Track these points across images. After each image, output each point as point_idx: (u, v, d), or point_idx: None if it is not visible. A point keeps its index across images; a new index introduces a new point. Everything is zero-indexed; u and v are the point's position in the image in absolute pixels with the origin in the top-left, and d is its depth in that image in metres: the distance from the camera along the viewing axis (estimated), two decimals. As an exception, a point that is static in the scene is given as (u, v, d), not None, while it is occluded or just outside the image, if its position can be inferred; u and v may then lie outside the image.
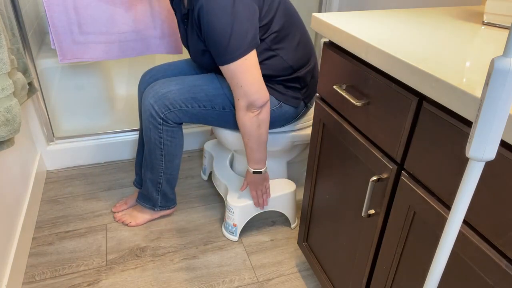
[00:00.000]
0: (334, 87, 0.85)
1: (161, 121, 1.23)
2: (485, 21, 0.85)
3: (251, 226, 1.48)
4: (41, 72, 1.67)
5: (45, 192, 1.62)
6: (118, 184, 1.68)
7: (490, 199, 0.53)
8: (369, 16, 0.88)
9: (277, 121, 1.29)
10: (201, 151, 1.93)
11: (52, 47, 1.44)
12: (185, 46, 1.28)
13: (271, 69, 1.19)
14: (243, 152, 1.43)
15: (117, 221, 1.47)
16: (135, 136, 1.82)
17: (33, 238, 1.39)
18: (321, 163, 1.02)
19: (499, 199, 0.52)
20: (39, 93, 1.59)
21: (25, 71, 1.30)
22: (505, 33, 0.79)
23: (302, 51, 1.22)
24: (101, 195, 1.61)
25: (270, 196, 1.36)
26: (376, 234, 0.80)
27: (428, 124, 0.62)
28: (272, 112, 1.26)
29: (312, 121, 1.37)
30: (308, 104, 1.34)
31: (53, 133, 1.70)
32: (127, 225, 1.45)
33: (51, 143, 1.72)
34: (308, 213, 1.13)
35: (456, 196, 0.45)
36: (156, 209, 1.43)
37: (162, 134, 1.25)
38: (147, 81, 1.40)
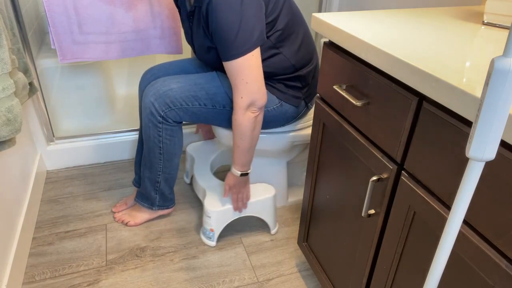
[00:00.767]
0: (334, 87, 0.85)
1: (161, 119, 1.22)
2: (485, 21, 0.85)
3: (251, 226, 1.48)
4: (41, 72, 1.67)
5: (45, 192, 1.62)
6: (118, 184, 1.68)
7: (490, 199, 0.53)
8: (369, 16, 0.88)
9: (277, 120, 1.29)
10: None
11: (52, 47, 1.44)
12: (189, 43, 1.27)
13: (273, 67, 1.19)
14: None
15: (116, 221, 1.47)
16: (135, 136, 1.82)
17: (33, 238, 1.39)
18: (321, 163, 1.02)
19: (499, 199, 0.52)
20: (39, 93, 1.59)
21: (25, 71, 1.30)
22: (505, 33, 0.79)
23: (304, 50, 1.22)
24: (101, 195, 1.61)
25: (249, 199, 1.35)
26: (376, 234, 0.80)
27: (428, 124, 0.62)
28: (273, 111, 1.26)
29: (312, 121, 1.37)
30: (309, 104, 1.34)
31: (53, 133, 1.70)
32: (126, 224, 1.45)
33: (51, 143, 1.72)
34: (308, 213, 1.13)
35: (456, 196, 0.45)
36: (154, 208, 1.43)
37: (161, 133, 1.25)
38: (148, 79, 1.40)
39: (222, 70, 1.25)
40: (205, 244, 1.39)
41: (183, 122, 1.31)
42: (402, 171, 0.70)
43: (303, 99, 1.30)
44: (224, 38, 1.04)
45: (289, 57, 1.19)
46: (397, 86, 0.68)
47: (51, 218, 1.48)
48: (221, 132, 1.37)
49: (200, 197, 1.47)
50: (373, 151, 0.77)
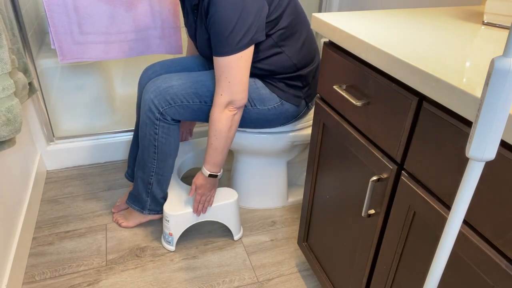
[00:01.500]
0: (334, 87, 0.85)
1: (159, 116, 1.21)
2: (485, 21, 0.85)
3: (251, 226, 1.48)
4: (41, 72, 1.67)
5: (45, 192, 1.62)
6: (118, 184, 1.68)
7: (490, 199, 0.53)
8: (369, 16, 0.88)
9: (278, 119, 1.29)
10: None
11: (52, 47, 1.44)
12: (192, 38, 1.26)
13: (275, 66, 1.19)
14: (244, 152, 1.43)
15: (113, 221, 1.47)
16: (135, 136, 1.81)
17: (33, 238, 1.39)
18: (321, 163, 1.02)
19: (499, 199, 0.52)
20: (39, 93, 1.59)
21: (25, 71, 1.30)
22: (505, 33, 0.79)
23: (306, 50, 1.22)
24: (101, 195, 1.61)
25: (211, 205, 1.32)
26: (376, 234, 0.80)
27: (428, 124, 0.62)
28: (273, 109, 1.25)
29: (312, 121, 1.37)
30: (309, 104, 1.34)
31: (53, 133, 1.70)
32: (119, 225, 1.45)
33: (51, 143, 1.72)
34: (308, 213, 1.13)
35: (456, 196, 0.45)
36: (144, 212, 1.39)
37: (157, 130, 1.24)
38: (149, 76, 1.39)
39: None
40: (205, 244, 1.39)
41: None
42: (402, 171, 0.70)
43: (303, 98, 1.30)
44: (218, 32, 1.04)
45: (291, 56, 1.19)
46: (397, 86, 0.68)
47: (51, 218, 1.48)
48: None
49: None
50: (373, 151, 0.77)
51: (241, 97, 1.12)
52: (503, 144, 0.51)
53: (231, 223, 1.39)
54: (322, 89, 0.94)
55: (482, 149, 0.41)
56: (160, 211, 1.41)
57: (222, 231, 1.45)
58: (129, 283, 1.24)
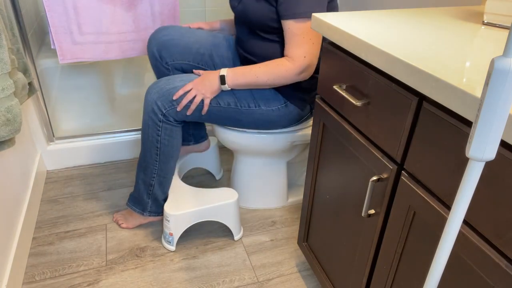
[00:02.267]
0: (334, 87, 0.85)
1: (162, 117, 1.21)
2: (485, 21, 0.85)
3: (251, 226, 1.48)
4: (41, 72, 1.67)
5: (45, 192, 1.62)
6: (118, 184, 1.68)
7: (490, 199, 0.53)
8: (369, 16, 0.88)
9: (280, 121, 1.28)
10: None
11: (52, 47, 1.44)
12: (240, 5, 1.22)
13: None
14: (243, 152, 1.43)
15: (113, 221, 1.47)
16: (135, 136, 1.82)
17: (33, 238, 1.39)
18: (321, 163, 1.02)
19: (499, 199, 0.52)
20: (39, 93, 1.59)
21: (25, 71, 1.30)
22: (505, 33, 0.79)
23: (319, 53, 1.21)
24: (101, 195, 1.61)
25: (193, 109, 1.21)
26: (376, 234, 0.80)
27: (428, 124, 0.62)
28: (277, 110, 1.25)
29: (312, 121, 1.37)
30: (314, 110, 1.33)
31: (53, 133, 1.70)
32: (119, 225, 1.45)
33: (51, 143, 1.72)
34: (308, 213, 1.13)
35: (456, 196, 0.45)
36: (145, 214, 1.39)
37: (160, 132, 1.23)
38: (161, 38, 1.34)
39: (253, 32, 1.21)
40: (205, 244, 1.39)
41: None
42: (402, 171, 0.70)
43: (309, 103, 1.30)
44: None
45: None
46: (397, 86, 0.68)
47: (51, 218, 1.48)
48: (223, 134, 1.37)
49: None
50: (373, 151, 0.77)
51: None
52: (503, 144, 0.51)
53: (232, 223, 1.39)
54: (322, 89, 0.94)
55: (482, 149, 0.41)
56: (160, 213, 1.40)
57: (222, 231, 1.45)
58: (129, 283, 1.24)
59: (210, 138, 1.68)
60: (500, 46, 0.71)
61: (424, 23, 0.84)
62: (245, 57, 1.28)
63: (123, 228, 1.44)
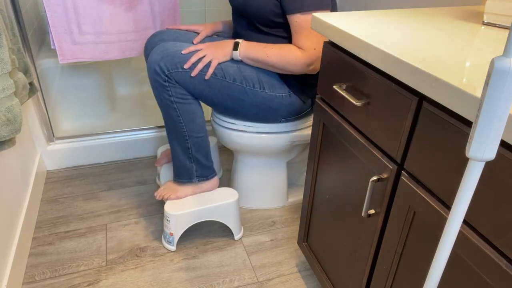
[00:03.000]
0: (334, 87, 0.85)
1: (166, 78, 1.15)
2: (485, 21, 0.85)
3: (251, 226, 1.48)
4: (41, 72, 1.67)
5: (45, 192, 1.62)
6: (118, 184, 1.68)
7: (490, 199, 0.53)
8: (369, 16, 0.88)
9: (281, 110, 1.27)
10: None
11: (52, 47, 1.44)
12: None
13: None
14: (244, 152, 1.43)
15: (157, 199, 1.40)
16: (135, 136, 1.82)
17: (33, 238, 1.39)
18: (321, 163, 1.02)
19: (499, 199, 0.52)
20: (39, 93, 1.59)
21: (25, 71, 1.30)
22: (505, 33, 0.79)
23: None
24: (101, 195, 1.61)
25: (200, 68, 1.17)
26: (376, 234, 0.80)
27: (428, 124, 0.62)
28: (280, 98, 1.24)
29: (312, 121, 1.37)
30: (314, 105, 1.34)
31: (53, 133, 1.70)
32: (167, 199, 1.36)
33: (51, 143, 1.72)
34: (308, 213, 1.13)
35: (456, 196, 0.45)
36: (194, 180, 1.33)
37: (170, 92, 1.17)
38: (156, 43, 1.33)
39: (253, 25, 1.21)
40: (205, 244, 1.39)
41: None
42: (402, 171, 0.70)
43: (311, 97, 1.30)
44: None
45: None
46: (397, 86, 0.68)
47: (51, 218, 1.48)
48: (223, 133, 1.37)
49: (164, 200, 1.42)
50: (373, 151, 0.77)
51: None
52: (503, 144, 0.51)
53: (232, 223, 1.39)
54: (322, 89, 0.94)
55: (482, 149, 0.41)
56: (209, 176, 1.35)
57: (222, 231, 1.45)
58: (129, 283, 1.24)
59: (210, 138, 1.68)
60: (500, 46, 0.71)
61: (424, 23, 0.84)
62: None
63: (172, 199, 1.34)
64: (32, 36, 1.60)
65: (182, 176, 1.33)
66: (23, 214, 1.33)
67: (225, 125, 1.36)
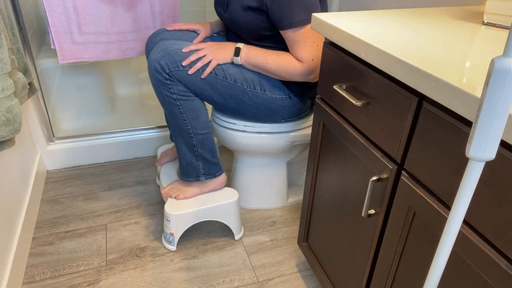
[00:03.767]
0: (334, 87, 0.85)
1: (167, 76, 1.15)
2: (485, 21, 0.85)
3: (251, 226, 1.48)
4: (41, 72, 1.67)
5: (45, 192, 1.62)
6: (118, 184, 1.68)
7: (490, 199, 0.53)
8: (369, 16, 0.88)
9: (281, 111, 1.28)
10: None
11: (52, 47, 1.44)
12: (218, 3, 1.21)
13: None
14: (244, 152, 1.43)
15: (164, 197, 1.40)
16: (135, 136, 1.82)
17: (33, 238, 1.39)
18: (321, 163, 1.02)
19: (499, 199, 0.52)
20: (39, 93, 1.59)
21: (25, 71, 1.30)
22: (505, 33, 0.79)
23: None
24: (101, 195, 1.61)
25: (198, 67, 1.16)
26: (376, 234, 0.80)
27: (428, 124, 0.62)
28: (280, 100, 1.25)
29: (312, 121, 1.37)
30: (314, 106, 1.34)
31: (53, 133, 1.70)
32: (175, 198, 1.35)
33: (51, 143, 1.72)
34: (308, 213, 1.13)
35: (456, 196, 0.45)
36: (201, 178, 1.32)
37: (172, 90, 1.16)
38: (157, 41, 1.33)
39: (243, 39, 1.22)
40: (205, 244, 1.39)
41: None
42: (402, 171, 0.70)
43: (310, 98, 1.30)
44: (292, 1, 1.04)
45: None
46: (397, 86, 0.68)
47: (51, 218, 1.48)
48: (223, 132, 1.37)
49: (164, 199, 1.42)
50: (373, 151, 0.77)
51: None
52: (503, 144, 0.51)
53: (232, 222, 1.39)
54: (322, 89, 0.94)
55: (482, 149, 0.41)
56: (217, 173, 1.35)
57: (222, 231, 1.45)
58: (129, 283, 1.24)
59: None
60: (500, 46, 0.71)
61: (424, 23, 0.84)
62: None
63: (179, 199, 1.34)
64: (32, 36, 1.60)
65: (189, 174, 1.33)
66: (23, 214, 1.33)
67: (225, 125, 1.36)
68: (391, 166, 0.72)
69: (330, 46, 0.88)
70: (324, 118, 0.95)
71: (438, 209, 0.62)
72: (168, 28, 1.35)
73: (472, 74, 0.57)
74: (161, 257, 1.34)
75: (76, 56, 1.48)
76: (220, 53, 1.19)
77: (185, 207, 1.31)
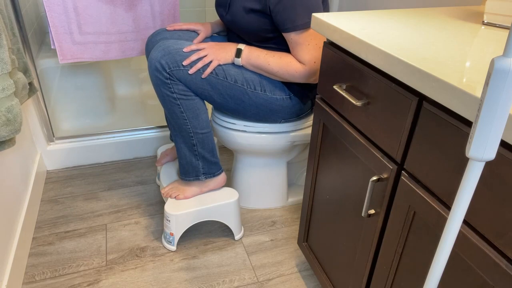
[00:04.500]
0: (334, 87, 0.85)
1: (168, 75, 1.14)
2: (485, 21, 0.85)
3: (251, 226, 1.48)
4: (41, 72, 1.67)
5: (45, 192, 1.62)
6: (118, 184, 1.68)
7: (490, 199, 0.53)
8: (369, 16, 0.88)
9: (281, 112, 1.28)
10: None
11: (52, 47, 1.44)
12: (219, 4, 1.21)
13: None
14: (244, 152, 1.43)
15: (164, 197, 1.40)
16: (135, 136, 1.82)
17: (33, 238, 1.39)
18: (321, 163, 1.02)
19: (499, 199, 0.52)
20: (39, 93, 1.59)
21: (25, 71, 1.30)
22: (505, 33, 0.79)
23: None
24: (101, 195, 1.61)
25: (199, 67, 1.17)
26: (376, 234, 0.80)
27: (428, 124, 0.62)
28: (280, 100, 1.25)
29: (312, 121, 1.37)
30: (314, 107, 1.34)
31: (53, 133, 1.70)
32: (175, 198, 1.36)
33: (51, 143, 1.72)
34: (308, 213, 1.13)
35: (456, 196, 0.45)
36: (201, 178, 1.32)
37: (172, 89, 1.16)
38: (158, 41, 1.32)
39: (245, 41, 1.22)
40: (205, 244, 1.39)
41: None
42: (402, 171, 0.70)
43: (310, 98, 1.30)
44: (296, 4, 1.04)
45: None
46: (397, 86, 0.68)
47: (51, 218, 1.49)
48: (223, 132, 1.37)
49: (164, 199, 1.42)
50: (373, 151, 0.77)
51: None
52: (503, 144, 0.51)
53: (232, 222, 1.39)
54: (322, 89, 0.94)
55: (482, 149, 0.41)
56: (216, 172, 1.35)
57: (222, 231, 1.45)
58: (129, 283, 1.24)
59: None
60: (500, 46, 0.71)
61: (424, 23, 0.84)
62: None
63: (180, 199, 1.35)
64: (32, 36, 1.60)
65: (188, 174, 1.33)
66: (23, 214, 1.33)
67: (225, 125, 1.36)
68: (391, 166, 0.72)
69: (330, 46, 0.88)
70: (324, 118, 0.95)
71: (438, 209, 0.62)
72: (168, 28, 1.35)
73: (472, 74, 0.57)
74: (161, 257, 1.34)
75: (76, 56, 1.48)
76: (221, 53, 1.19)
77: (185, 207, 1.30)
